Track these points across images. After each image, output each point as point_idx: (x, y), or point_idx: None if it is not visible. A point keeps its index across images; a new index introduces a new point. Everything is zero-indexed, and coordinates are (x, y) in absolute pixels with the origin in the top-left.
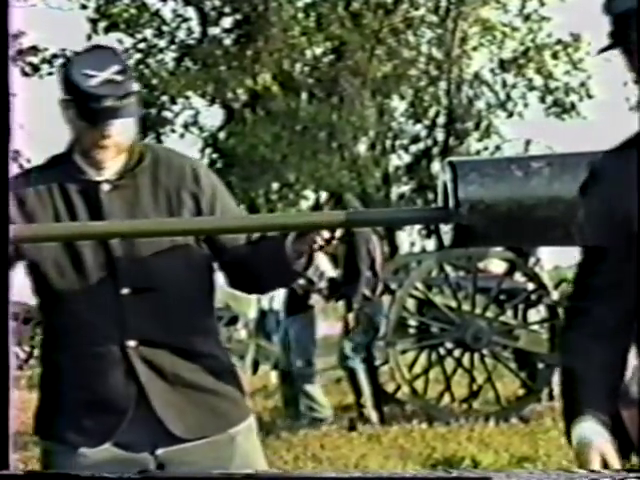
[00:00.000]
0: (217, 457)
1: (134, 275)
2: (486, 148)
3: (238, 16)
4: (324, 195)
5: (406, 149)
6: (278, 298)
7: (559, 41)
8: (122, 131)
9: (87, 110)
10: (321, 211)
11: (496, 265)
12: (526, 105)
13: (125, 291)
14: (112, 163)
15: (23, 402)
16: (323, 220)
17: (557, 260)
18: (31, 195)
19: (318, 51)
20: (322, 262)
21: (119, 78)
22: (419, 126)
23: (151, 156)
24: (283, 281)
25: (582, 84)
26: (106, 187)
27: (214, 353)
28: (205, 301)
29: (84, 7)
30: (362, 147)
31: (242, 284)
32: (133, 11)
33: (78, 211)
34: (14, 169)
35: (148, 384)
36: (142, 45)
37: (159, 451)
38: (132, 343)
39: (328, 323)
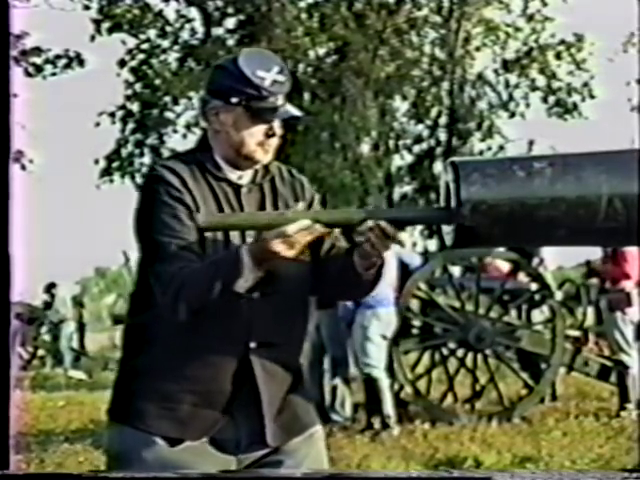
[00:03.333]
0: (297, 457)
1: (264, 279)
2: (489, 148)
3: (241, 17)
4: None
5: (409, 149)
6: None
7: (562, 41)
8: (281, 130)
9: (261, 109)
10: (321, 210)
11: (501, 264)
12: (528, 105)
13: (256, 294)
14: (248, 170)
15: (26, 403)
16: (322, 218)
17: (560, 260)
18: (188, 184)
19: (321, 51)
20: None
21: (283, 78)
22: (421, 126)
23: (273, 169)
24: (354, 293)
25: (585, 84)
26: (244, 191)
27: (303, 358)
28: (309, 309)
29: (87, 8)
30: (365, 147)
31: (321, 297)
32: (136, 12)
33: (224, 207)
34: (16, 169)
35: (262, 387)
36: (145, 46)
37: (247, 454)
38: (254, 344)
39: None
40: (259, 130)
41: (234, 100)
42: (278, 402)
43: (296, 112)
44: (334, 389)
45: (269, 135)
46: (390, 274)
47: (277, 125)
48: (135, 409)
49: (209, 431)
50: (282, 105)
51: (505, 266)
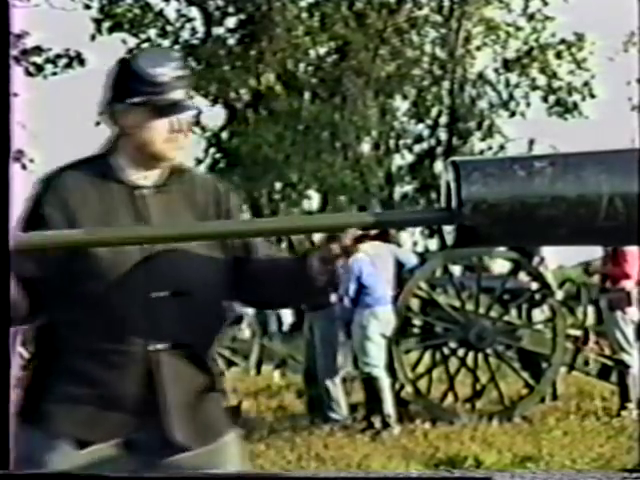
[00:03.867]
0: (212, 465)
1: (171, 279)
2: (490, 148)
3: (242, 16)
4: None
5: (409, 149)
6: None
7: (563, 41)
8: (189, 125)
9: (162, 105)
10: (322, 214)
11: (500, 265)
12: (529, 105)
13: (161, 294)
14: (154, 171)
15: None
16: (324, 224)
17: (561, 260)
18: (71, 194)
19: (322, 51)
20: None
21: (181, 73)
22: (422, 126)
23: (188, 174)
24: (303, 299)
25: (585, 83)
26: (148, 192)
27: (216, 361)
28: (224, 311)
29: (88, 7)
30: (365, 147)
31: (256, 299)
32: (137, 11)
33: (120, 214)
34: (17, 169)
35: (168, 389)
36: (146, 45)
37: (158, 459)
38: (160, 346)
39: None
40: (163, 127)
41: (135, 100)
42: (186, 406)
43: (199, 106)
44: (327, 390)
45: (174, 131)
46: (387, 273)
47: (183, 120)
48: (42, 411)
49: (117, 434)
50: (184, 100)
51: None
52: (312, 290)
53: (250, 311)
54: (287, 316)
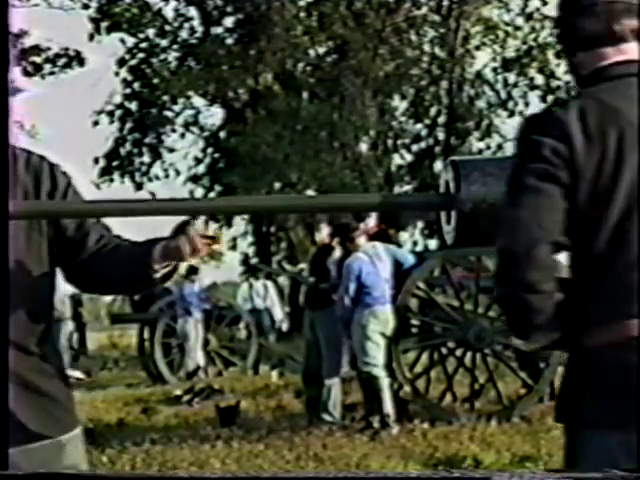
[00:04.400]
0: (45, 463)
1: None
2: (488, 147)
3: (240, 16)
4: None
5: (408, 148)
6: (270, 296)
7: None
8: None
9: None
10: (321, 194)
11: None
12: (527, 104)
13: None
14: None
15: None
16: (322, 203)
17: (559, 259)
18: None
19: (320, 51)
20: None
21: None
22: (420, 125)
23: (10, 152)
24: (138, 287)
25: None
26: None
27: (49, 355)
28: (46, 300)
29: (86, 7)
30: (364, 146)
31: (93, 284)
32: (135, 11)
33: None
34: None
35: (8, 383)
36: (144, 45)
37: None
38: None
39: None
40: None
41: None
42: (26, 399)
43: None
44: (329, 389)
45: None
46: (385, 272)
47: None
48: None
49: None
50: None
51: None
52: (148, 280)
53: (246, 310)
54: (278, 314)
